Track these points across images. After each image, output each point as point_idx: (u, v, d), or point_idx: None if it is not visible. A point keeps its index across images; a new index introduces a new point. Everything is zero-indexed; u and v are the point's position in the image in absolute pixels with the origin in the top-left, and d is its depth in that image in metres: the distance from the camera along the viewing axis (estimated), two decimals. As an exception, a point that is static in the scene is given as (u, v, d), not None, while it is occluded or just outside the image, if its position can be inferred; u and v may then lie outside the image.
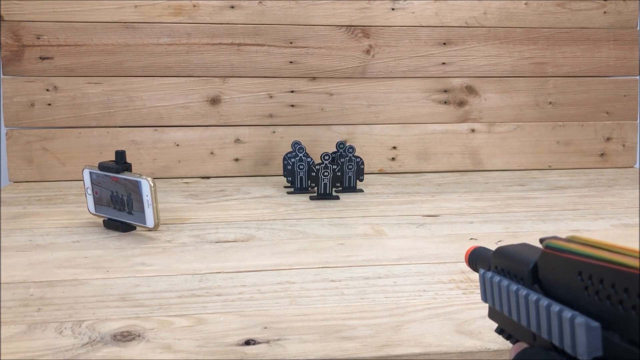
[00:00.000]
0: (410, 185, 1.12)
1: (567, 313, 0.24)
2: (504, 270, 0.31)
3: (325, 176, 0.98)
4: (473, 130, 1.27)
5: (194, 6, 1.16)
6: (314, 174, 0.98)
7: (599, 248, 0.23)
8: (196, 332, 0.50)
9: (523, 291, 0.27)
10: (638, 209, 0.94)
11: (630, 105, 1.32)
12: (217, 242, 0.76)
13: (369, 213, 0.91)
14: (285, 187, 1.08)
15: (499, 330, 0.33)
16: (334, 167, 0.98)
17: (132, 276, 0.64)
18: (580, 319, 0.23)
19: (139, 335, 0.49)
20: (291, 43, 1.19)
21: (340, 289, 0.60)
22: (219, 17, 1.17)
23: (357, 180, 1.05)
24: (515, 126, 1.28)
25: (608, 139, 1.31)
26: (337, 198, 1.00)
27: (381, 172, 1.24)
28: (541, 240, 0.27)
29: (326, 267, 0.67)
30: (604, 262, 0.22)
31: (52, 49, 1.13)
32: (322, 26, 1.20)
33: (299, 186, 1.03)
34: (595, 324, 0.23)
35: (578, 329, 0.23)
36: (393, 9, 1.21)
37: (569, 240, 0.25)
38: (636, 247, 0.21)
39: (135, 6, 1.14)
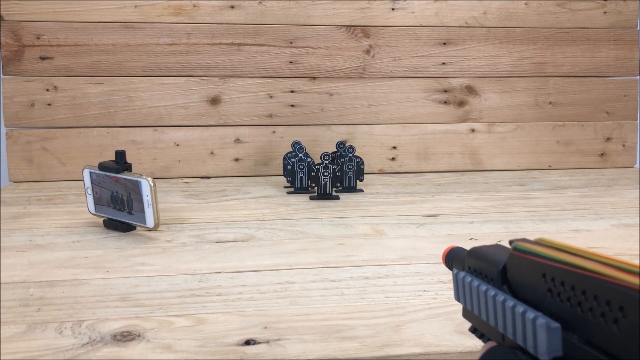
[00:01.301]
0: (410, 185, 1.12)
1: (530, 314, 0.24)
2: (476, 270, 0.31)
3: (325, 176, 0.98)
4: (473, 130, 1.27)
5: (194, 6, 1.16)
6: (314, 174, 0.98)
7: (563, 251, 0.24)
8: (196, 332, 0.50)
9: (492, 292, 0.28)
10: (638, 209, 0.94)
11: (630, 105, 1.32)
12: (217, 242, 0.76)
13: (369, 213, 0.91)
14: (285, 187, 1.08)
15: (473, 330, 0.33)
16: (334, 167, 0.98)
17: (132, 276, 0.64)
18: (541, 320, 0.23)
19: (139, 335, 0.49)
20: (291, 43, 1.19)
21: (340, 289, 0.60)
22: (219, 17, 1.17)
23: (357, 180, 1.05)
24: (515, 126, 1.28)
25: (608, 139, 1.31)
26: (337, 198, 1.00)
27: (381, 172, 1.24)
28: (510, 242, 0.28)
29: (326, 267, 0.67)
30: (566, 265, 0.23)
31: (52, 49, 1.13)
32: (322, 26, 1.20)
33: (299, 186, 1.03)
34: (555, 324, 0.23)
35: (539, 330, 0.23)
36: (393, 9, 1.21)
37: (536, 242, 0.26)
38: (599, 252, 0.22)
39: (135, 6, 1.14)
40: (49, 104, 1.14)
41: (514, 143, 1.28)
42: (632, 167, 1.32)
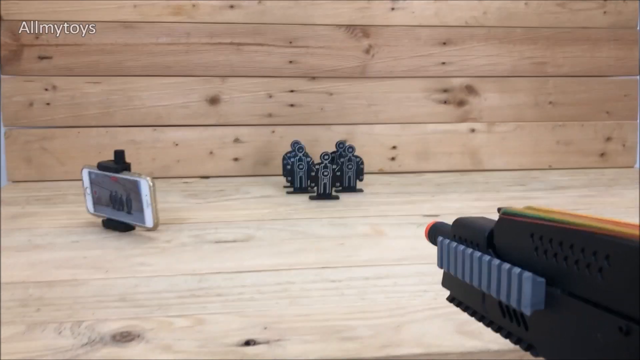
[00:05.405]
0: (410, 185, 1.12)
1: (516, 270, 0.26)
2: (461, 238, 0.33)
3: (325, 176, 0.98)
4: (473, 130, 1.27)
5: (194, 6, 1.16)
6: (313, 173, 0.98)
7: (551, 212, 0.26)
8: (196, 332, 0.50)
9: (477, 254, 0.30)
10: (638, 209, 0.94)
11: (630, 105, 1.32)
12: (217, 242, 0.76)
13: (369, 213, 0.91)
14: (285, 187, 1.08)
15: (450, 299, 0.35)
16: (334, 167, 0.98)
17: (131, 276, 0.63)
18: (527, 274, 0.26)
19: (139, 336, 0.49)
20: (291, 43, 1.19)
21: (341, 289, 0.60)
22: (218, 16, 1.17)
23: (357, 180, 1.04)
24: (515, 126, 1.28)
25: (608, 139, 1.31)
26: (337, 198, 0.99)
27: (381, 172, 1.24)
28: (499, 209, 0.30)
29: (326, 267, 0.66)
30: (555, 222, 0.25)
31: (51, 48, 1.13)
32: (322, 26, 1.20)
33: (298, 186, 1.03)
34: (540, 279, 0.25)
35: (525, 283, 0.25)
36: (393, 9, 1.21)
37: (526, 208, 0.28)
38: (583, 213, 0.24)
39: (135, 6, 1.14)
40: (48, 104, 1.14)
41: (514, 143, 1.28)
42: (632, 167, 1.32)
